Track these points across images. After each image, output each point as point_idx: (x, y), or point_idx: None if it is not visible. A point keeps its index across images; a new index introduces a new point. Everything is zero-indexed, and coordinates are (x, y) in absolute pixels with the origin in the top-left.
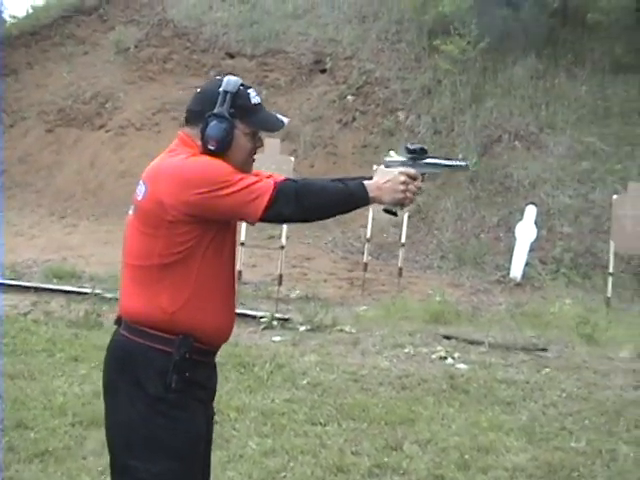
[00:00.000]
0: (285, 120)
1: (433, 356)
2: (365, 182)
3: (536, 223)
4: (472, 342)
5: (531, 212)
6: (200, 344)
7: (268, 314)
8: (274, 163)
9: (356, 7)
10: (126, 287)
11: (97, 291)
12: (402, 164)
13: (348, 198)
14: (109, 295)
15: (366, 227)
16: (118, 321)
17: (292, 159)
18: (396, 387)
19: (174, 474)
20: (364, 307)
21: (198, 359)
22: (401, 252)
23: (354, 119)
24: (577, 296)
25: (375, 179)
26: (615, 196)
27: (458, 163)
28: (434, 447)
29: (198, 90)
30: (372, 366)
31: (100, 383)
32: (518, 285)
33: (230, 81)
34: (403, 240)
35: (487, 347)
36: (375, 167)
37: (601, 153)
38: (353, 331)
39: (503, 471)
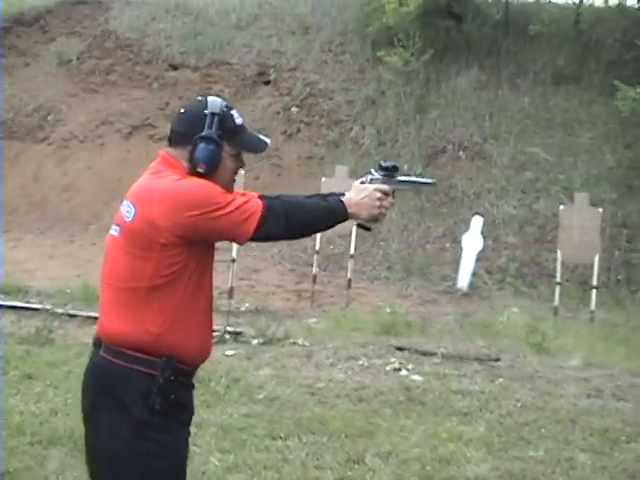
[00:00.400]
0: (268, 140)
1: (387, 368)
2: (343, 198)
3: (482, 233)
4: (425, 353)
5: (477, 222)
6: (183, 365)
7: (220, 328)
8: None
9: (299, 19)
10: (107, 308)
11: (47, 307)
12: (376, 181)
13: (330, 215)
14: (59, 310)
15: (312, 239)
16: (97, 343)
17: (242, 172)
18: (353, 399)
19: None
20: (314, 319)
21: (181, 381)
22: (350, 263)
23: (299, 130)
24: (524, 305)
25: (350, 195)
26: (562, 207)
27: (426, 180)
28: (395, 459)
29: (182, 111)
30: (327, 379)
31: (57, 400)
32: (465, 295)
33: (215, 102)
34: (352, 252)
35: (440, 358)
36: (324, 179)
37: (544, 163)
38: (306, 344)
39: None
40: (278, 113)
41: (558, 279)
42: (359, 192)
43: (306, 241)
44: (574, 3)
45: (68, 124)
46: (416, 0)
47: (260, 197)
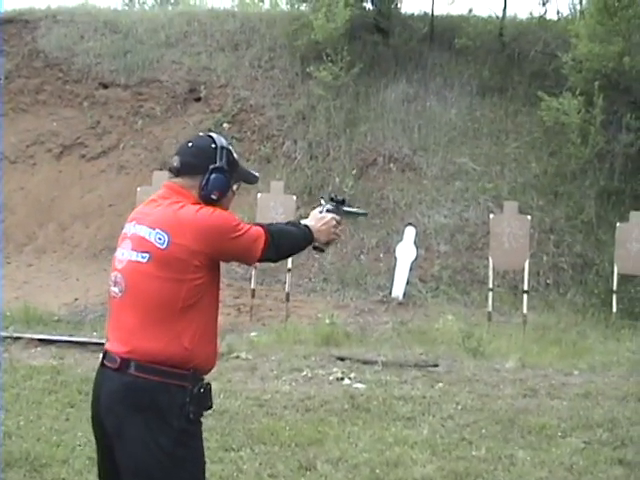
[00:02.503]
0: (257, 174)
1: (330, 377)
2: (309, 225)
3: (415, 243)
4: (365, 362)
5: (410, 233)
6: (203, 374)
7: None
8: None
9: (229, 35)
10: (136, 329)
11: None
12: (330, 211)
13: (305, 239)
14: (3, 334)
15: None
16: (123, 363)
17: None
18: (300, 410)
19: None
20: (255, 333)
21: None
22: (288, 277)
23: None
24: (458, 312)
25: (312, 223)
26: (492, 215)
27: (362, 211)
28: (345, 465)
29: (189, 145)
30: (274, 390)
31: (9, 423)
32: (400, 304)
33: (221, 138)
34: (290, 265)
35: (380, 366)
36: (260, 194)
37: (473, 173)
38: (249, 357)
39: None
40: (210, 130)
41: (490, 285)
42: (319, 220)
43: None
44: (497, 17)
45: None
46: (343, 16)
47: (258, 224)
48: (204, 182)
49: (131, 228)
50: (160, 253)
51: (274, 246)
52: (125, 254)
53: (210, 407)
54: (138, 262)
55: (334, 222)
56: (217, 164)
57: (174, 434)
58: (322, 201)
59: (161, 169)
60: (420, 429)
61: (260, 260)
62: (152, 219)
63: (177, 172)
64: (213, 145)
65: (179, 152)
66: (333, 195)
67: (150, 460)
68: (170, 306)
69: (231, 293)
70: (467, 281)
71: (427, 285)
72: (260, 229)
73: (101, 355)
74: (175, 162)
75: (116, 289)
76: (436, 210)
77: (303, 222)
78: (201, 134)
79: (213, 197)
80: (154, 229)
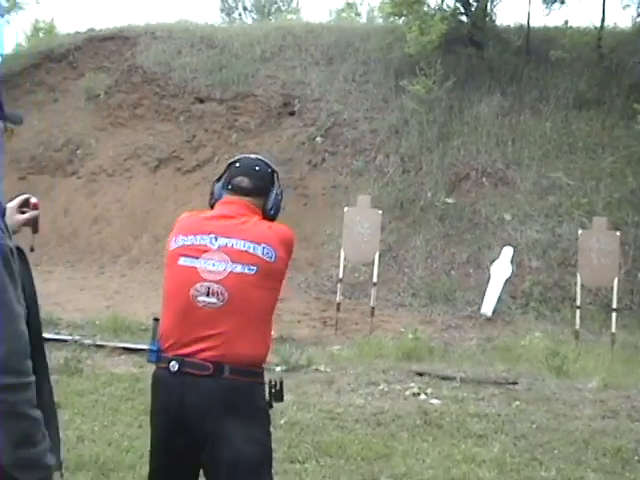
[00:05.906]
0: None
1: (407, 392)
2: None
3: (511, 262)
4: (444, 378)
5: (508, 252)
6: None
7: None
8: None
9: (323, 49)
10: (234, 335)
11: (76, 338)
12: None
13: None
14: (88, 342)
15: (337, 267)
16: (217, 368)
17: None
18: (371, 424)
19: None
20: (338, 346)
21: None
22: (373, 291)
23: (323, 160)
24: (546, 329)
25: None
26: (580, 230)
27: None
28: None
29: (257, 169)
30: (347, 404)
31: (84, 428)
32: (489, 320)
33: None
34: (375, 279)
35: (459, 382)
36: (346, 208)
37: (567, 188)
38: (328, 370)
39: None
40: (303, 143)
41: (578, 302)
42: None
43: (331, 269)
44: (595, 27)
45: (97, 158)
46: (437, 29)
47: None
48: (272, 203)
49: (212, 240)
50: (268, 266)
51: None
52: (218, 265)
53: (283, 400)
54: (245, 274)
55: None
56: (279, 188)
57: (264, 426)
58: None
59: None
60: (491, 447)
61: None
62: (251, 234)
63: (248, 192)
64: (269, 170)
65: (247, 174)
66: None
67: (251, 453)
68: (267, 312)
69: (318, 306)
70: (558, 298)
71: (517, 302)
72: None
73: (172, 363)
74: (245, 183)
75: (212, 299)
76: (529, 225)
77: None
78: (252, 157)
79: (276, 216)
80: (259, 244)
